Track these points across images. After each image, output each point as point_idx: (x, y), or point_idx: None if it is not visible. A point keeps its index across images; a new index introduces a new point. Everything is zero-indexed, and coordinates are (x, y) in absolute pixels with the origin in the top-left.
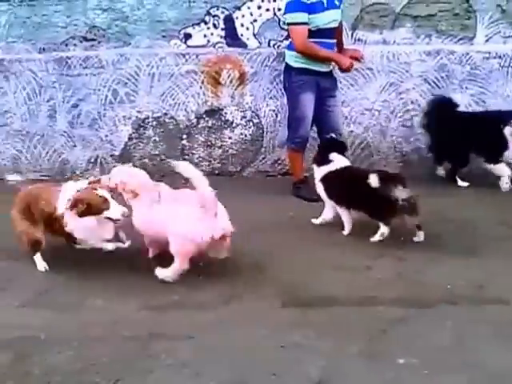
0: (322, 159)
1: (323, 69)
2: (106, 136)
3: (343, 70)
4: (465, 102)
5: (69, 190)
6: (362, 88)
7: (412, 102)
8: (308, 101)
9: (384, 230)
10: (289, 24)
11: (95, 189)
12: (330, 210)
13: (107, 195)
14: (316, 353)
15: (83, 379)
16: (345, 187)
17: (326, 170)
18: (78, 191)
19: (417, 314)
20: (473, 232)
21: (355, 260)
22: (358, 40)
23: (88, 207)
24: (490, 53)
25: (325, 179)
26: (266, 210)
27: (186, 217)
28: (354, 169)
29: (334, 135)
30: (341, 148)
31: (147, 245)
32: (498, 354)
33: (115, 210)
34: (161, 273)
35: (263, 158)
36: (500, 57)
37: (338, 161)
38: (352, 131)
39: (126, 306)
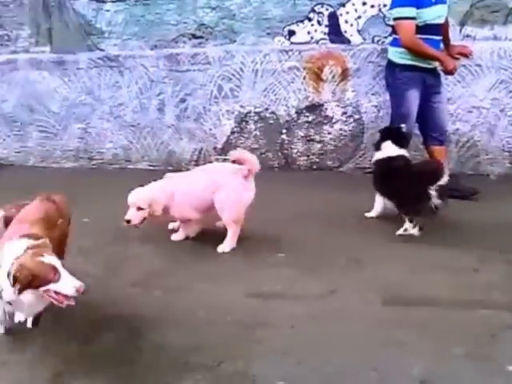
0: (377, 146)
1: (429, 65)
2: (210, 129)
3: (447, 72)
4: None
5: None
6: (470, 85)
7: None
8: (413, 98)
9: (407, 226)
10: (395, 19)
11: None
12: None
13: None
14: (418, 352)
15: (190, 359)
16: (381, 175)
17: (376, 156)
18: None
19: None
20: None
21: (459, 261)
22: (467, 36)
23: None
24: None
25: (373, 165)
26: (361, 206)
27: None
28: (399, 159)
29: (403, 125)
30: (399, 138)
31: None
32: None
33: (67, 283)
34: (221, 248)
35: (363, 155)
36: None
37: (388, 149)
38: (458, 129)
39: (230, 291)
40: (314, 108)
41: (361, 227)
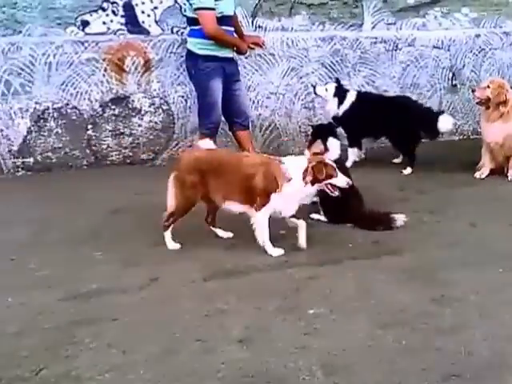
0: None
1: (228, 55)
2: (2, 130)
3: (242, 53)
4: (358, 83)
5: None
6: (266, 73)
7: (312, 87)
8: (217, 87)
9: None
10: (196, 9)
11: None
12: None
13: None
14: (237, 316)
15: (3, 374)
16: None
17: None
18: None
19: (325, 270)
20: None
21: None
22: (259, 27)
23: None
24: (376, 38)
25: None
26: None
27: None
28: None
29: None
30: (335, 132)
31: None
32: (393, 294)
33: (342, 179)
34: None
35: (176, 145)
36: (385, 41)
37: (335, 146)
38: (260, 114)
39: (45, 298)
40: (120, 100)
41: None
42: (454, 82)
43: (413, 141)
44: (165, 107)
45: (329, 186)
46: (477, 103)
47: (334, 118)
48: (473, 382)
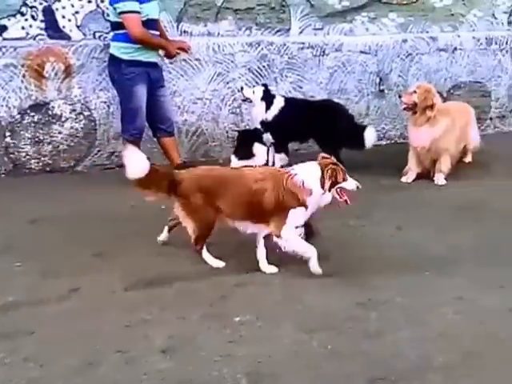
0: (246, 152)
1: (153, 59)
2: None
3: (170, 57)
4: (285, 88)
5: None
6: (192, 78)
7: (239, 91)
8: (141, 92)
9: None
10: (121, 13)
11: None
12: None
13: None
14: (161, 325)
15: None
16: None
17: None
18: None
19: (252, 277)
20: None
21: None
22: (184, 32)
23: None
24: (303, 43)
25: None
26: (105, 202)
27: None
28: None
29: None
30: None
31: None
32: (320, 299)
33: (351, 182)
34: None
35: (98, 151)
36: (312, 47)
37: (260, 151)
38: (186, 120)
39: None
40: (40, 107)
41: (106, 223)
42: (381, 87)
43: (339, 145)
44: (86, 113)
45: (339, 191)
46: (404, 109)
47: (262, 122)
48: None
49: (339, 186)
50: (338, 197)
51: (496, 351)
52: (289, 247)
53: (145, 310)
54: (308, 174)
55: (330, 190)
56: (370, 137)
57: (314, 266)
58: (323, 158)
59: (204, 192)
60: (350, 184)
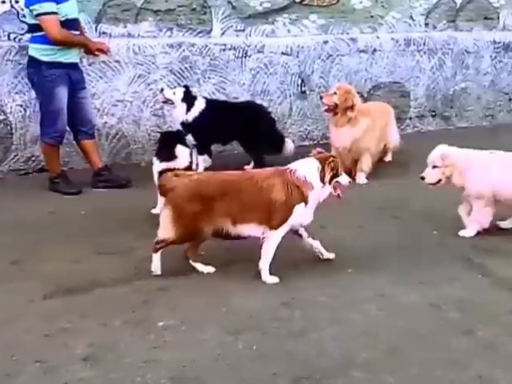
0: (169, 154)
1: (73, 60)
2: None
3: (92, 53)
4: (208, 90)
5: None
6: (112, 80)
7: (160, 92)
8: (62, 94)
9: None
10: (38, 15)
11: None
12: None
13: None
14: (81, 333)
15: None
16: None
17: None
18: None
19: (175, 281)
20: None
21: (121, 244)
22: (103, 33)
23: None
24: (225, 45)
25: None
26: (23, 208)
27: None
28: None
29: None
30: (184, 139)
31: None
32: (244, 301)
33: (345, 177)
34: None
35: (15, 156)
36: (235, 48)
37: (183, 154)
38: (106, 122)
39: None
40: None
41: (24, 230)
42: (303, 89)
43: (262, 146)
44: (1, 117)
45: (334, 186)
46: (325, 110)
47: (183, 124)
48: (322, 383)
49: (336, 179)
50: (333, 191)
51: (417, 346)
52: (266, 245)
53: (64, 318)
54: (307, 169)
55: (330, 183)
56: (289, 145)
57: (267, 275)
58: (319, 152)
59: (204, 199)
60: (345, 178)
